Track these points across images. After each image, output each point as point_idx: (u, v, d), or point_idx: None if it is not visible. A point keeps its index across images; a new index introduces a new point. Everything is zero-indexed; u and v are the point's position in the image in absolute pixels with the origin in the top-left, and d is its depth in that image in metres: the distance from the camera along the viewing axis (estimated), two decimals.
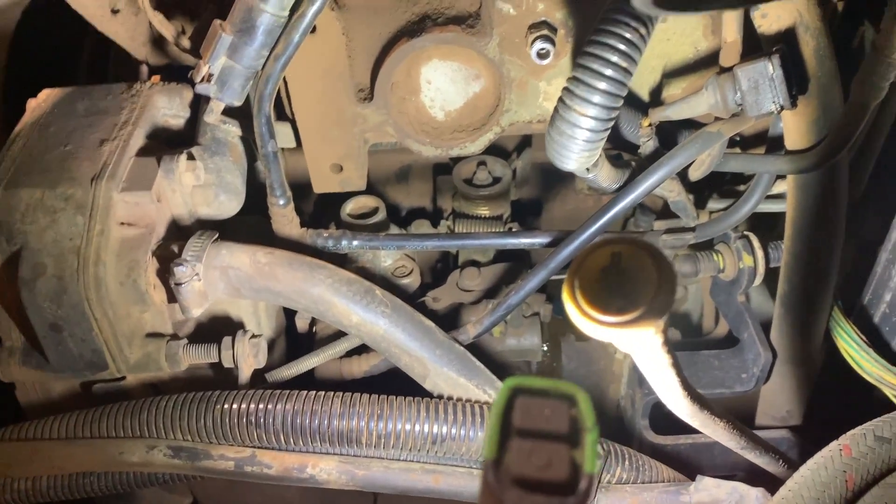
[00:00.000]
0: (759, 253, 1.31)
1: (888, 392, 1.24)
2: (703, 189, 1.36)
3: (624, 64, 0.85)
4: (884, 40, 0.86)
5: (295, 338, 1.44)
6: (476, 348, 1.44)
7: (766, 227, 1.46)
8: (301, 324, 1.38)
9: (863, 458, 0.95)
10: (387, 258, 1.38)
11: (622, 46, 0.84)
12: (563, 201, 1.63)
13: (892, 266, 1.21)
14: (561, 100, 0.90)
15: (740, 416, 1.49)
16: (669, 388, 0.73)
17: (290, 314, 1.41)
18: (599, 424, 1.09)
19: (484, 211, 1.47)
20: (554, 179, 1.60)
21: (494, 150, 1.53)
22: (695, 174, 1.19)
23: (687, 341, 1.51)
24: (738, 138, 1.25)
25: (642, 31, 0.85)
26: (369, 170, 1.58)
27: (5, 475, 1.08)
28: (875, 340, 1.26)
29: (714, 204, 1.36)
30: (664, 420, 1.34)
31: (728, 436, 0.91)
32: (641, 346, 0.62)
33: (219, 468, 1.08)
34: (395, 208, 1.65)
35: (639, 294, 0.55)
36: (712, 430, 0.88)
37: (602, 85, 0.86)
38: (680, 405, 0.77)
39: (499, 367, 1.51)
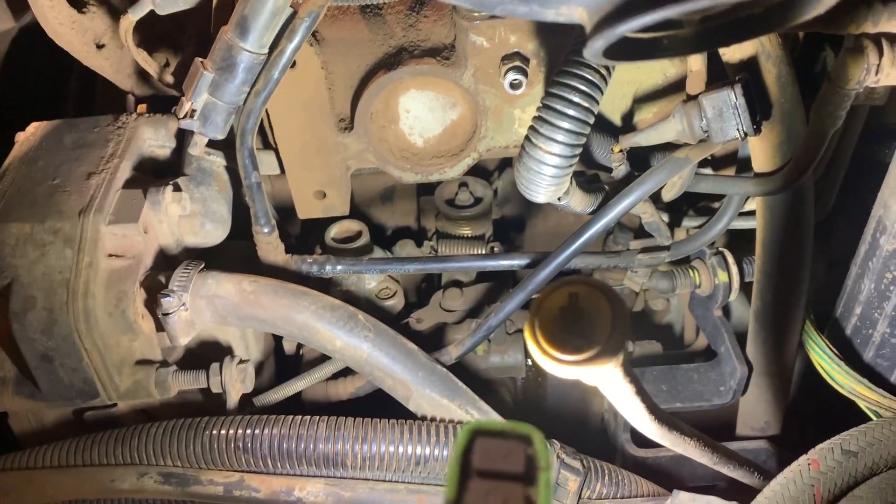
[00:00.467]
0: (734, 269, 1.34)
1: (861, 404, 1.27)
2: (680, 207, 1.40)
3: (585, 104, 0.88)
4: (838, 72, 0.89)
5: (283, 360, 1.47)
6: (460, 366, 1.48)
7: (745, 241, 1.50)
8: (288, 346, 1.41)
9: (830, 472, 0.98)
10: (371, 280, 1.41)
11: (584, 87, 0.88)
12: (544, 218, 1.66)
13: (862, 280, 1.24)
14: (527, 137, 0.93)
15: (722, 426, 1.54)
16: (637, 414, 0.76)
17: (278, 337, 1.44)
18: (581, 441, 1.12)
19: (466, 231, 1.50)
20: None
21: (476, 170, 1.56)
22: (667, 196, 1.23)
23: (667, 354, 1.54)
24: (710, 158, 1.28)
25: (603, 71, 0.88)
26: (354, 190, 1.62)
27: None
28: (847, 353, 1.30)
29: (690, 221, 1.40)
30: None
31: (699, 452, 0.94)
32: (603, 381, 0.65)
33: (208, 493, 1.11)
34: (380, 228, 1.68)
35: (595, 333, 0.58)
36: (683, 447, 0.91)
37: (565, 124, 0.89)
38: (649, 428, 0.80)
39: (483, 385, 1.55)
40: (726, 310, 1.48)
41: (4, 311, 1.12)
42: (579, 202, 1.10)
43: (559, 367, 0.59)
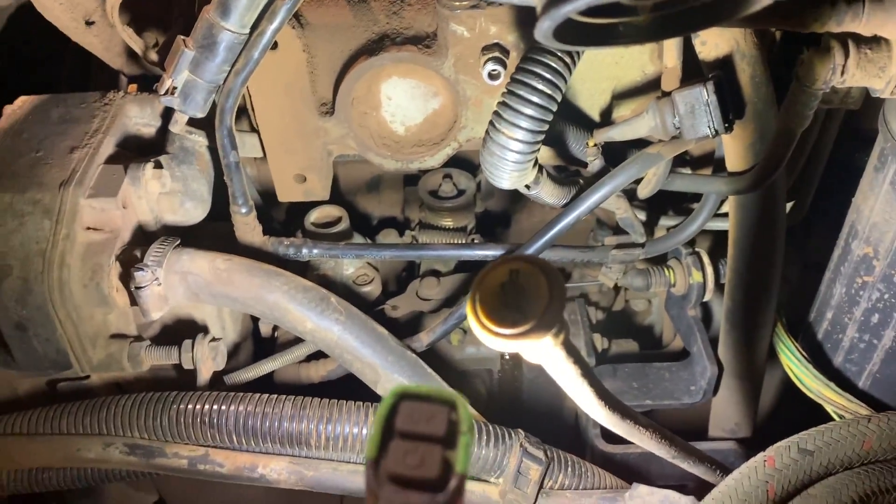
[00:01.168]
0: (709, 269, 1.35)
1: (828, 407, 1.28)
2: (659, 207, 1.41)
3: (548, 91, 0.89)
4: (805, 71, 0.90)
5: (260, 343, 1.48)
6: (436, 357, 1.49)
7: (724, 243, 1.51)
8: (264, 329, 1.43)
9: (785, 470, 0.99)
10: (349, 266, 1.42)
11: (547, 74, 0.89)
12: (529, 213, 1.67)
13: (834, 285, 1.25)
14: (491, 123, 0.94)
15: (695, 428, 1.54)
16: (584, 397, 0.77)
17: (255, 320, 1.46)
18: (553, 436, 1.12)
19: (448, 222, 1.51)
20: (519, 192, 1.64)
21: (460, 163, 1.57)
22: (642, 192, 1.23)
23: (643, 353, 1.55)
24: (687, 157, 1.29)
25: (566, 59, 0.89)
26: (341, 179, 1.63)
27: None
28: (818, 357, 1.30)
29: (668, 221, 1.40)
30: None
31: (656, 445, 0.95)
32: (543, 357, 0.66)
33: (172, 466, 1.12)
34: (365, 217, 1.69)
35: (531, 308, 0.59)
36: (639, 438, 0.92)
37: (528, 111, 0.90)
38: (599, 414, 0.81)
39: (459, 375, 1.55)
40: (707, 311, 1.48)
41: None
42: (550, 193, 1.11)
43: (496, 339, 0.60)
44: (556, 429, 1.58)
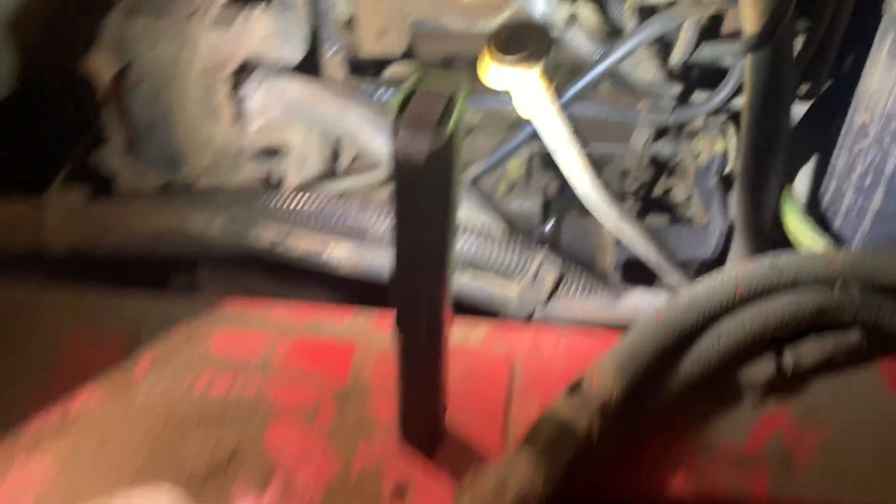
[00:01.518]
0: (732, 140, 1.52)
1: None
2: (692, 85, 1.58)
3: None
4: None
5: None
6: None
7: None
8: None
9: (754, 277, 1.17)
10: None
11: None
12: None
13: (839, 156, 1.40)
14: None
15: None
16: (567, 157, 0.97)
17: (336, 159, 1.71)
18: None
19: None
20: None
21: None
22: (674, 58, 1.41)
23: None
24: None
25: None
26: (418, 55, 1.86)
27: (98, 234, 1.42)
28: (821, 223, 1.46)
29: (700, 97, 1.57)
30: (638, 278, 1.56)
31: (639, 241, 1.15)
32: (535, 100, 0.87)
33: (256, 246, 1.38)
34: None
35: (524, 48, 0.81)
36: (619, 227, 1.11)
37: None
38: (580, 180, 1.01)
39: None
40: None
41: (122, 85, 1.44)
42: (584, 43, 1.30)
43: (499, 66, 0.82)
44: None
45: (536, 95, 0.85)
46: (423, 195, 0.72)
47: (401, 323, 0.88)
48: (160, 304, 1.28)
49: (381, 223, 1.35)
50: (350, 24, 1.62)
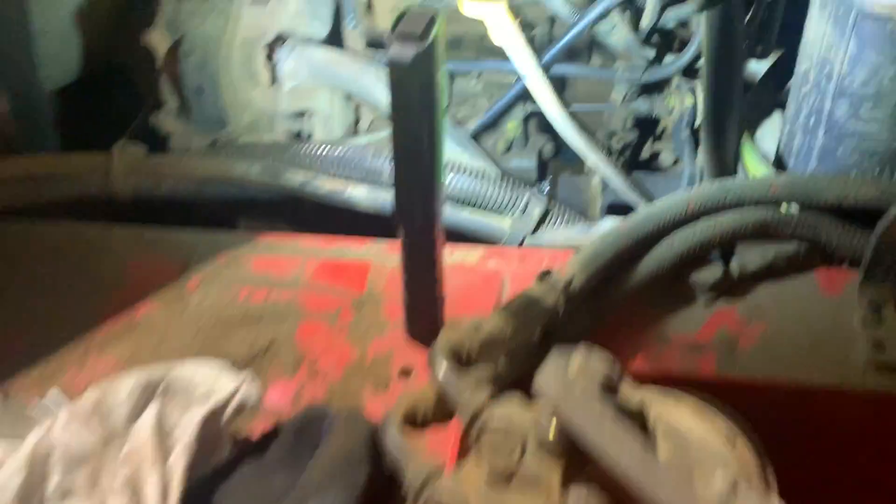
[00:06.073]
0: (700, 96, 1.73)
1: None
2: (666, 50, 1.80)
3: None
4: None
5: None
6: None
7: None
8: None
9: (705, 194, 1.38)
10: None
11: None
12: None
13: (790, 104, 1.61)
14: None
15: None
16: (535, 81, 1.18)
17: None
18: None
19: None
20: None
21: None
22: (643, 24, 1.64)
23: None
24: None
25: None
26: None
27: (156, 180, 1.67)
28: (778, 166, 1.66)
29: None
30: None
31: (607, 168, 1.36)
32: (500, 25, 1.08)
33: (289, 185, 1.63)
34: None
35: None
36: (591, 154, 1.33)
37: None
38: (544, 100, 1.22)
39: None
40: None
41: (176, 54, 1.71)
42: (561, 5, 1.54)
43: (469, 4, 1.04)
44: None
45: (505, 26, 1.07)
46: (412, 93, 0.95)
47: (401, 215, 1.10)
48: (207, 237, 1.50)
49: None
50: (369, 6, 1.88)
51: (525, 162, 1.95)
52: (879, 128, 1.45)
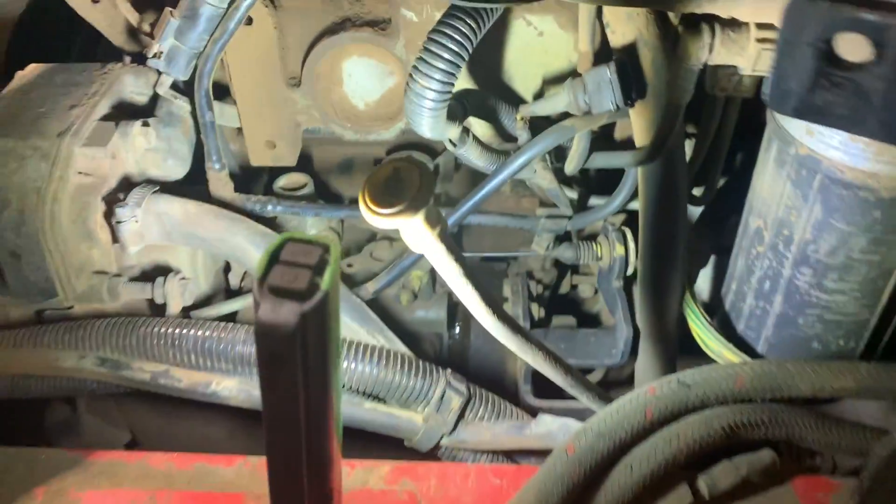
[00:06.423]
0: (631, 244, 1.51)
1: None
2: (589, 188, 1.57)
3: (457, 49, 1.06)
4: (681, 49, 1.07)
5: (232, 297, 1.64)
6: (385, 318, 1.64)
7: None
8: (234, 281, 1.59)
9: (664, 398, 1.13)
10: (311, 228, 1.59)
11: (457, 36, 1.06)
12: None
13: (738, 258, 1.40)
14: (410, 75, 1.12)
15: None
16: (464, 293, 0.91)
17: (227, 272, 1.62)
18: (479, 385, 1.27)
19: None
20: (477, 177, 1.81)
21: (422, 146, 1.74)
22: (568, 168, 1.40)
23: (579, 329, 1.69)
24: (613, 141, 1.46)
25: (473, 23, 1.06)
26: (315, 159, 1.80)
27: None
28: (725, 326, 1.45)
29: (597, 201, 1.56)
30: (549, 389, 1.52)
31: (547, 366, 1.10)
32: (421, 242, 0.82)
33: (137, 378, 1.27)
34: (336, 197, 1.86)
35: (406, 194, 0.76)
36: (530, 355, 1.06)
37: (440, 64, 1.07)
38: (480, 314, 0.95)
39: (409, 336, 1.70)
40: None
41: None
42: (478, 156, 1.27)
43: (378, 218, 0.76)
44: (497, 392, 1.72)
45: (422, 238, 0.79)
46: (291, 368, 0.64)
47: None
48: (23, 458, 1.15)
49: None
50: (240, 131, 1.56)
51: (432, 313, 1.66)
52: (847, 299, 1.25)
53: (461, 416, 1.27)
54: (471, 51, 1.08)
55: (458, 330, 1.79)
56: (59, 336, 1.30)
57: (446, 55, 1.06)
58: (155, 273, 1.48)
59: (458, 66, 1.09)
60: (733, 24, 1.03)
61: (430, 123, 1.13)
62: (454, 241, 0.92)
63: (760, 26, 1.02)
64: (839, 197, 1.16)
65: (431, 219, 0.78)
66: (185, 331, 1.28)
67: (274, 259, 0.67)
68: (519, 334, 1.02)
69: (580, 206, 1.52)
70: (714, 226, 1.55)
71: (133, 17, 1.44)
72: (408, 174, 0.77)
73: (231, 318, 1.49)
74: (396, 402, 1.29)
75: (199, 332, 1.28)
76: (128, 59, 1.72)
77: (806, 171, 1.17)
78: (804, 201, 1.19)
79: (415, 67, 1.10)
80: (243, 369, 1.28)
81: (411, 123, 1.17)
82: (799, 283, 1.27)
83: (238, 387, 1.28)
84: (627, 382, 1.66)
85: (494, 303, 0.95)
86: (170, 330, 1.29)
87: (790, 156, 1.19)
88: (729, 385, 1.16)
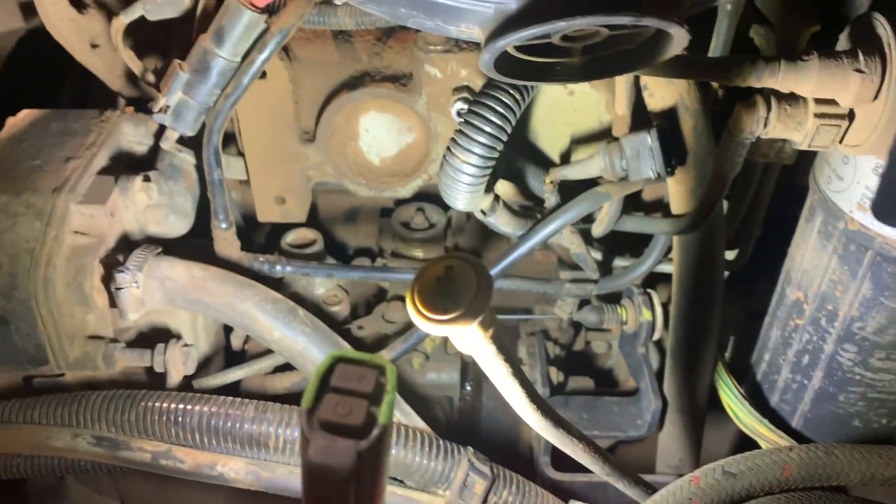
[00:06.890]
0: (658, 309, 1.44)
1: (762, 444, 1.35)
2: (615, 249, 1.50)
3: (499, 122, 1.00)
4: (734, 122, 1.00)
5: (232, 358, 1.54)
6: (397, 381, 1.55)
7: None
8: (236, 343, 1.49)
9: (709, 489, 1.06)
10: (320, 286, 1.50)
11: (498, 107, 0.99)
12: (496, 249, 1.76)
13: (771, 328, 1.34)
14: (448, 148, 1.04)
15: (645, 464, 1.60)
16: (513, 396, 0.84)
17: (228, 334, 1.52)
18: (508, 465, 1.18)
19: (418, 253, 1.59)
20: (487, 230, 1.73)
21: (434, 199, 1.67)
22: (596, 231, 1.33)
23: (596, 390, 1.62)
24: (641, 203, 1.39)
25: (516, 95, 0.99)
26: (320, 208, 1.72)
27: None
28: (756, 397, 1.38)
29: (622, 262, 1.49)
30: (569, 460, 1.44)
31: (589, 458, 1.02)
32: (471, 345, 0.74)
33: (136, 459, 1.17)
34: (341, 247, 1.78)
35: (461, 299, 0.68)
36: (571, 449, 0.99)
37: (481, 138, 1.00)
38: (527, 414, 0.88)
39: (419, 400, 1.62)
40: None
41: None
42: (507, 223, 1.20)
43: (429, 325, 0.68)
44: (511, 459, 1.63)
45: (475, 342, 0.72)
46: None
47: None
48: None
49: (282, 432, 1.16)
50: (245, 182, 1.47)
51: (445, 375, 1.58)
52: (893, 378, 1.19)
53: (485, 501, 1.19)
54: (514, 124, 1.01)
55: (469, 388, 1.71)
56: (51, 411, 1.20)
57: (488, 128, 0.99)
58: (153, 336, 1.38)
59: (501, 141, 1.01)
60: (790, 98, 0.97)
61: (466, 199, 1.06)
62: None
63: (819, 101, 0.96)
64: (892, 275, 1.10)
65: (486, 322, 0.70)
66: (188, 406, 1.19)
67: (324, 385, 0.59)
68: (561, 428, 0.94)
69: (602, 265, 1.44)
70: (742, 289, 1.49)
71: (136, 66, 1.35)
72: (463, 274, 0.69)
73: (235, 387, 1.39)
74: (415, 485, 1.20)
75: (205, 408, 1.18)
76: (122, 101, 1.64)
77: (855, 246, 1.11)
78: (852, 277, 1.13)
79: (453, 140, 1.03)
80: (251, 449, 1.18)
81: (445, 197, 1.10)
82: (842, 359, 1.21)
83: (246, 468, 1.19)
84: (643, 448, 1.59)
85: (540, 400, 0.87)
86: (172, 405, 1.19)
87: (838, 230, 1.13)
88: (776, 474, 1.09)
